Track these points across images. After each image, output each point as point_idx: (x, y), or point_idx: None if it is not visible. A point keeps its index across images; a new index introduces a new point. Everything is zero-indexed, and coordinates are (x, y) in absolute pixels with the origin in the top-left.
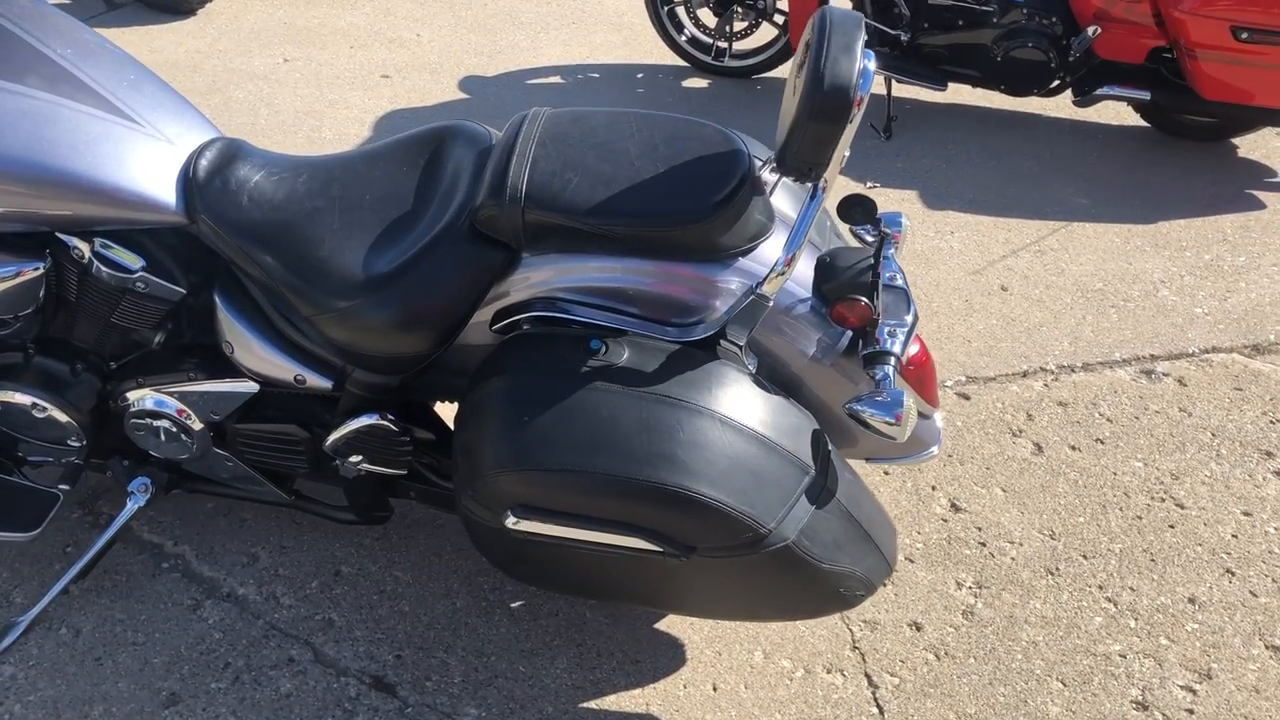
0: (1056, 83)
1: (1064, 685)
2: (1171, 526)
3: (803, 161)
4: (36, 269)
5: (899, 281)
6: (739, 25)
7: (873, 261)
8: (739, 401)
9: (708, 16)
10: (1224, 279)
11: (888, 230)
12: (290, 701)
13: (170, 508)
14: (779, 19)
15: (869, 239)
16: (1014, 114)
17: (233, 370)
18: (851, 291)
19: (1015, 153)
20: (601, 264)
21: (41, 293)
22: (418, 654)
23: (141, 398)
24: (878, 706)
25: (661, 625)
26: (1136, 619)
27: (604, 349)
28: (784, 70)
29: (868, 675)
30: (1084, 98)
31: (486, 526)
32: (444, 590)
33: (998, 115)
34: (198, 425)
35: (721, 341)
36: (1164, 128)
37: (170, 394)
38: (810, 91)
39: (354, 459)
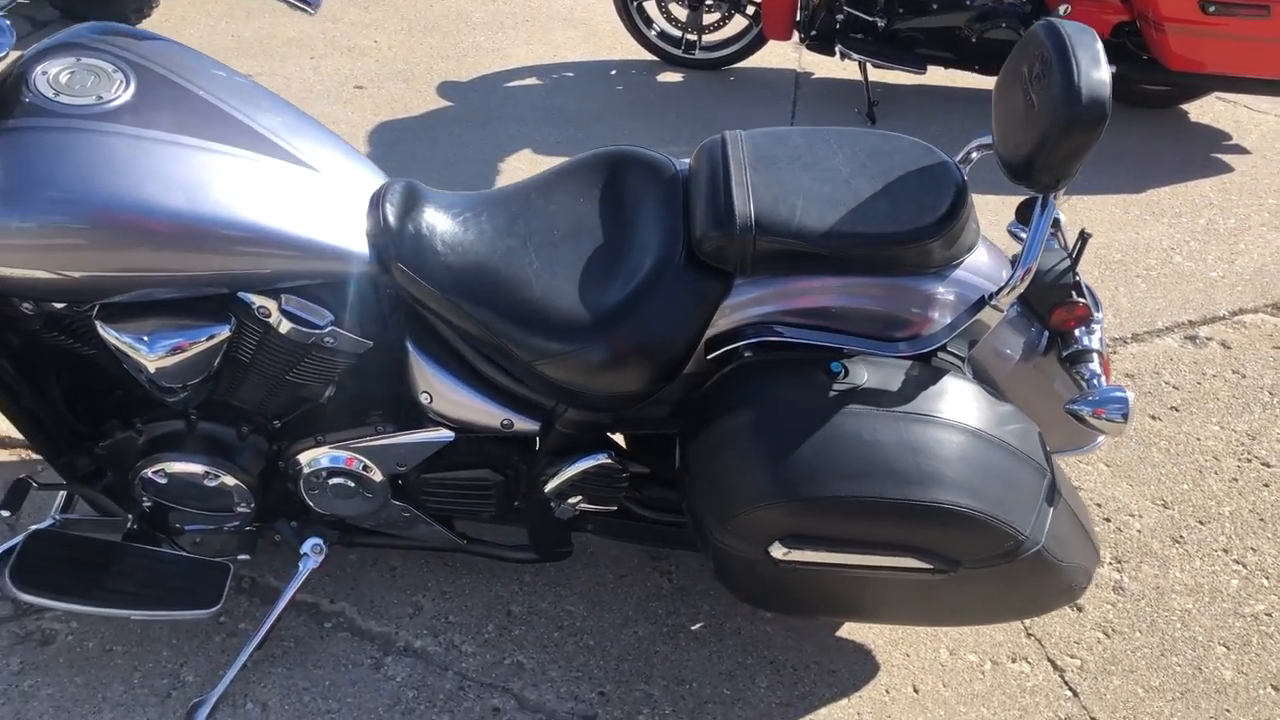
0: None
1: (1227, 649)
2: (1265, 485)
3: (1052, 175)
4: (223, 332)
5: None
6: (712, 18)
7: (1070, 261)
8: (982, 412)
9: (678, 10)
10: (1224, 242)
11: (1088, 232)
12: None
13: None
14: (750, 10)
15: (1023, 236)
16: (986, 92)
17: (423, 419)
18: (1063, 294)
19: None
20: (821, 283)
21: (219, 358)
22: (620, 688)
23: (317, 456)
24: (1070, 689)
25: (843, 633)
26: (1268, 578)
27: (844, 371)
28: (757, 60)
29: (1050, 660)
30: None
31: (741, 560)
32: (621, 619)
33: (970, 94)
34: (379, 478)
35: (940, 354)
36: (1120, 98)
37: (353, 449)
38: (1065, 106)
39: (573, 500)
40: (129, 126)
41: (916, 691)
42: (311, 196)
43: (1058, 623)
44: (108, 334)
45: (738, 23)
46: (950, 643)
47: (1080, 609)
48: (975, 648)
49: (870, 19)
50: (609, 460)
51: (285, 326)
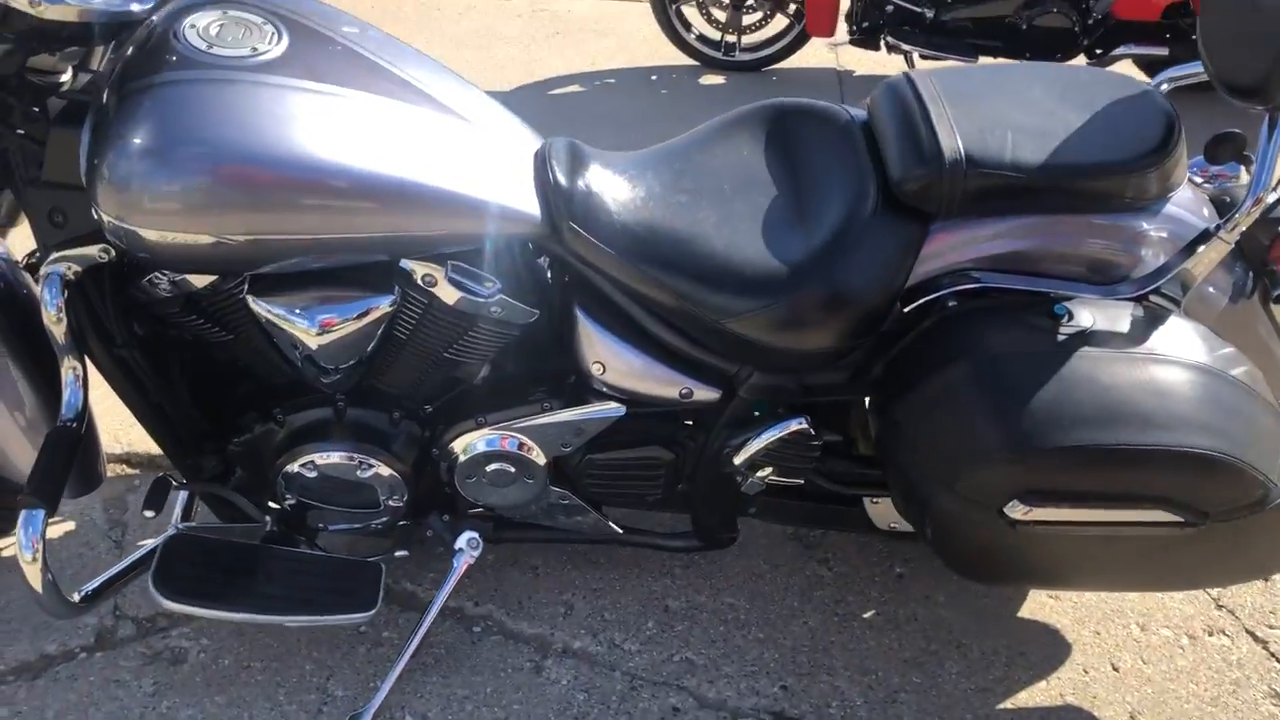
0: (1079, 46)
1: None
2: None
3: None
4: (387, 303)
5: None
6: (753, 18)
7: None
8: (1215, 353)
9: (718, 12)
10: None
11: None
12: None
13: (440, 565)
14: (792, 8)
15: (1206, 176)
16: None
17: (590, 394)
18: (1276, 227)
19: None
20: (1029, 223)
21: (380, 332)
22: (802, 681)
23: (475, 440)
24: (1278, 661)
25: (1024, 612)
26: None
27: (1068, 315)
28: (795, 60)
29: (1250, 632)
30: (1100, 58)
31: (969, 524)
32: (788, 611)
33: None
34: (541, 462)
35: (1153, 297)
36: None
37: (516, 430)
38: None
39: (763, 473)
40: (288, 78)
41: (1116, 669)
42: (478, 152)
43: (1246, 593)
44: (261, 308)
45: (778, 23)
46: (1139, 617)
47: (1267, 579)
48: (1166, 622)
49: (919, 10)
50: (804, 426)
51: (452, 295)
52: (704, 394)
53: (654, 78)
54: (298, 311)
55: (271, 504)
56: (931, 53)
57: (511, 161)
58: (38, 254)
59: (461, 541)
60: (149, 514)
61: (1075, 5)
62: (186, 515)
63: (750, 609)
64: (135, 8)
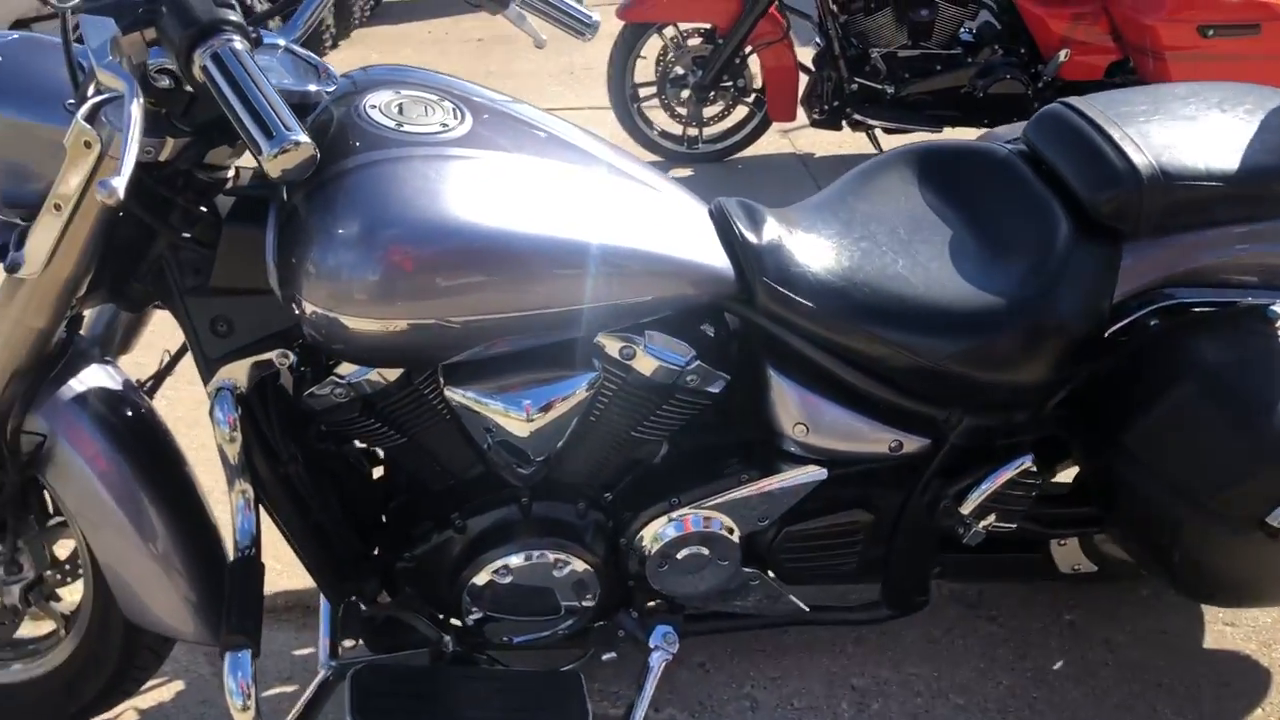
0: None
1: None
2: None
3: None
4: (590, 381)
5: None
6: (714, 109)
7: None
8: None
9: (680, 107)
10: None
11: None
12: None
13: (603, 671)
14: (751, 97)
15: None
16: None
17: (785, 459)
18: None
19: None
20: (1222, 234)
21: (578, 417)
22: None
23: (668, 524)
24: None
25: (1209, 643)
26: None
27: None
28: (758, 149)
29: None
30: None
31: (1222, 542)
32: (976, 672)
33: None
34: (736, 541)
35: None
36: None
37: (711, 508)
38: None
39: (986, 520)
40: (485, 150)
41: None
42: (665, 216)
43: None
44: (464, 398)
45: (739, 112)
46: None
47: None
48: None
49: (879, 87)
50: (1030, 464)
51: (650, 366)
52: (913, 445)
53: None
54: (504, 398)
55: (453, 620)
56: (896, 126)
57: (693, 223)
58: (151, 381)
59: (657, 638)
60: (349, 644)
61: (1025, 71)
62: (334, 649)
63: (938, 676)
64: (313, 88)
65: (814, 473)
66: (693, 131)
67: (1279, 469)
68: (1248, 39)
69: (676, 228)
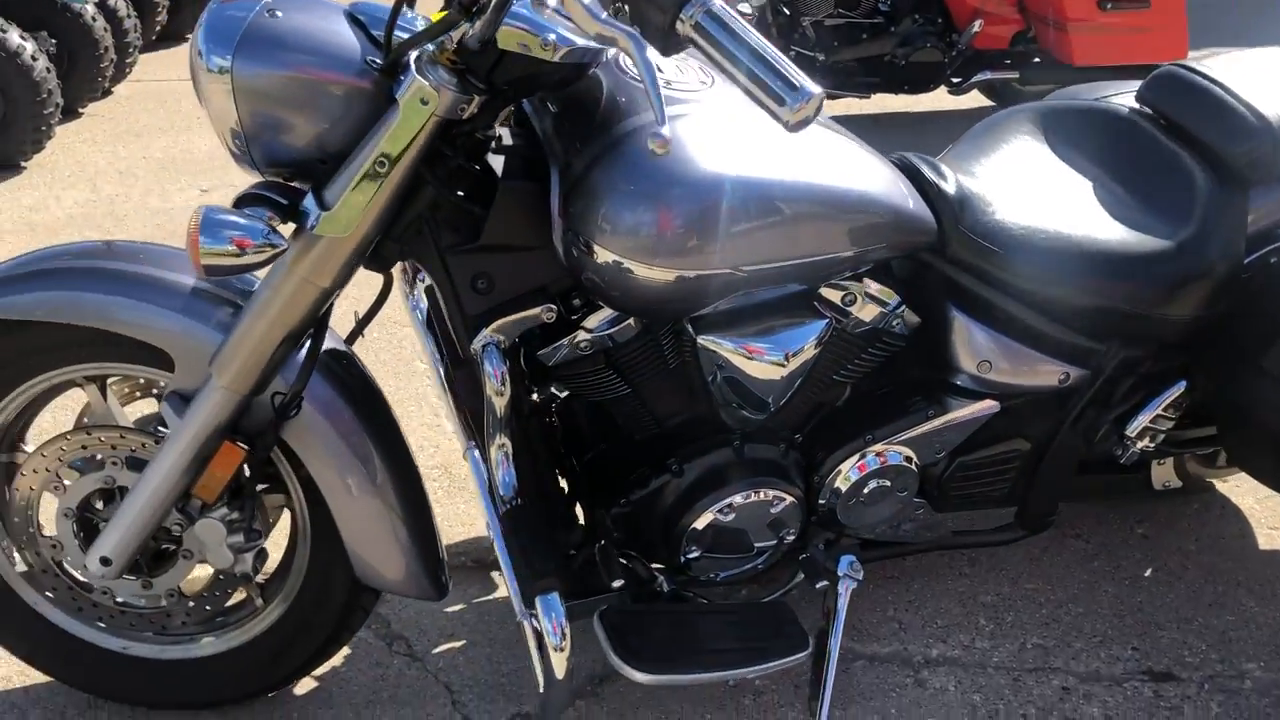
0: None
1: None
2: None
3: None
4: (824, 328)
5: None
6: None
7: None
8: None
9: None
10: None
11: None
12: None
13: None
14: None
15: None
16: (896, 115)
17: (961, 395)
18: None
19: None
20: None
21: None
22: (1144, 640)
23: (859, 459)
24: None
25: (1264, 544)
26: None
27: None
28: None
29: None
30: (959, 85)
31: None
32: (1083, 585)
33: (900, 117)
34: (914, 473)
35: None
36: (1004, 100)
37: (899, 443)
38: None
39: (1144, 442)
40: (743, 108)
41: None
42: (883, 169)
43: None
44: (721, 345)
45: None
46: None
47: None
48: None
49: (810, 54)
50: (1183, 390)
51: (870, 313)
52: (1076, 376)
53: None
54: (760, 343)
55: (665, 560)
56: (828, 91)
57: (899, 176)
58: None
59: (844, 567)
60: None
61: (943, 39)
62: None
63: (1053, 589)
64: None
65: (989, 406)
66: None
67: None
68: (1139, 11)
69: (893, 180)
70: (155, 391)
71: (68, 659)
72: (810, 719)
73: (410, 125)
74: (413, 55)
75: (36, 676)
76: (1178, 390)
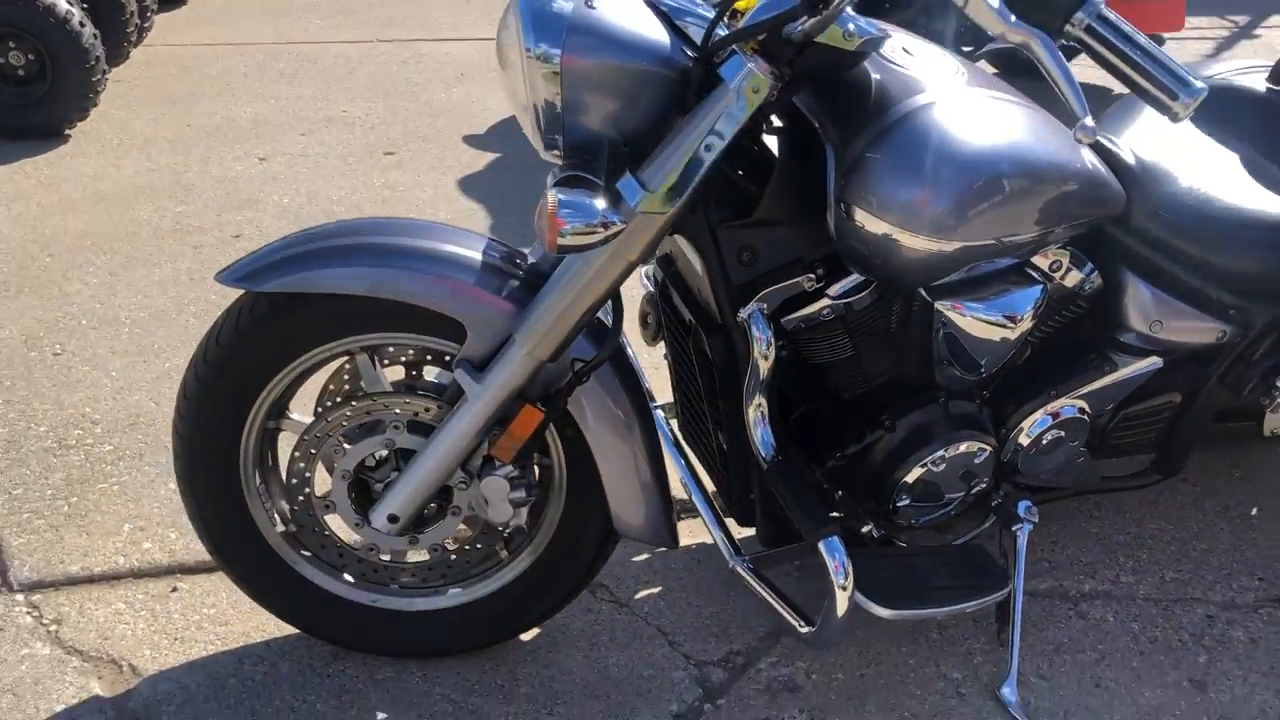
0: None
1: None
2: None
3: None
4: (1040, 293)
5: None
6: None
7: None
8: None
9: None
10: None
11: None
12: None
13: None
14: None
15: None
16: None
17: (1127, 351)
18: None
19: None
20: None
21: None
22: (1268, 571)
23: (1044, 412)
24: None
25: None
26: None
27: None
28: None
29: None
30: (971, 54)
31: None
32: (1202, 524)
33: None
34: (1086, 424)
35: None
36: (1011, 70)
37: (1078, 397)
38: None
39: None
40: (982, 89)
41: None
42: (1079, 147)
43: None
44: (957, 310)
45: None
46: None
47: None
48: None
49: None
50: None
51: (1073, 278)
52: (1233, 333)
53: None
54: (995, 308)
55: (875, 508)
56: None
57: (1089, 153)
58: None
59: (1022, 510)
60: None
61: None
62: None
63: (1175, 529)
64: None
65: (1154, 362)
66: None
67: None
68: None
69: (1092, 157)
70: (422, 360)
71: (318, 613)
72: (1002, 649)
73: (744, 110)
74: (738, 46)
75: (285, 629)
76: None
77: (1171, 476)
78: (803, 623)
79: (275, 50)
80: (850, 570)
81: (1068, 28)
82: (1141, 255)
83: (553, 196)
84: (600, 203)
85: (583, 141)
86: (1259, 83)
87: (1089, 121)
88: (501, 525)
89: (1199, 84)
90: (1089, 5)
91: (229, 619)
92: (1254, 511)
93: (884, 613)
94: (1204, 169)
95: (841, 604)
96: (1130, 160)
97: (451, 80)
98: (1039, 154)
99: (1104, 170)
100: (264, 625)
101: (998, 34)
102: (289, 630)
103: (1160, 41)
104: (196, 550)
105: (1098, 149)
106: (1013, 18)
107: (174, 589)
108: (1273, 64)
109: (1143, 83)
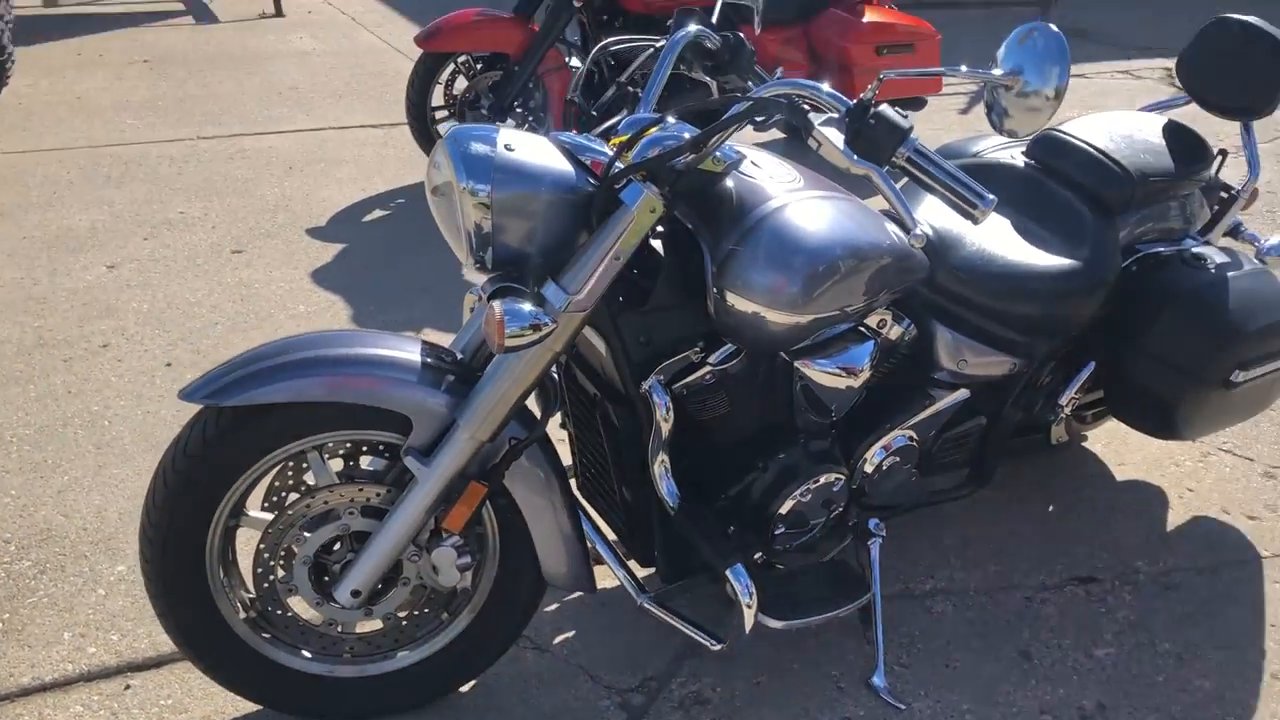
0: None
1: None
2: None
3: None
4: (874, 347)
5: None
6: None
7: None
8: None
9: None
10: None
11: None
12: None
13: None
14: (533, 119)
15: None
16: None
17: (940, 387)
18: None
19: None
20: (1159, 209)
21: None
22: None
23: (884, 443)
24: None
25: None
26: None
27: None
28: None
29: None
30: (762, 124)
31: (1199, 397)
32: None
33: None
34: (917, 450)
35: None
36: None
37: (909, 427)
38: None
39: (1066, 411)
40: (816, 190)
41: None
42: (892, 228)
43: None
44: (812, 368)
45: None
46: None
47: None
48: None
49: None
50: (1094, 369)
51: (895, 332)
52: (1021, 365)
53: None
54: (840, 365)
55: (756, 538)
56: None
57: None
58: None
59: (873, 528)
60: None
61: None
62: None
63: (992, 530)
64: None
65: (963, 393)
66: None
67: (1236, 347)
68: (906, 56)
69: (900, 234)
70: (359, 452)
71: (279, 689)
72: (869, 645)
73: (643, 225)
74: (635, 175)
75: (243, 709)
76: (1090, 369)
77: (985, 486)
78: (714, 641)
79: (95, 154)
80: (755, 591)
81: (894, 160)
82: (945, 308)
83: (498, 308)
84: (533, 308)
85: (510, 257)
86: (1018, 157)
87: (918, 230)
88: (449, 589)
89: (990, 196)
90: (907, 143)
91: (187, 706)
92: (1049, 509)
93: (777, 624)
94: (985, 235)
95: (749, 620)
96: (931, 235)
97: (281, 174)
98: (863, 240)
99: (913, 249)
100: (222, 708)
101: (844, 169)
102: (247, 708)
103: (922, 104)
104: (140, 648)
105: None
106: (855, 156)
107: (127, 686)
108: (1026, 141)
109: (951, 197)
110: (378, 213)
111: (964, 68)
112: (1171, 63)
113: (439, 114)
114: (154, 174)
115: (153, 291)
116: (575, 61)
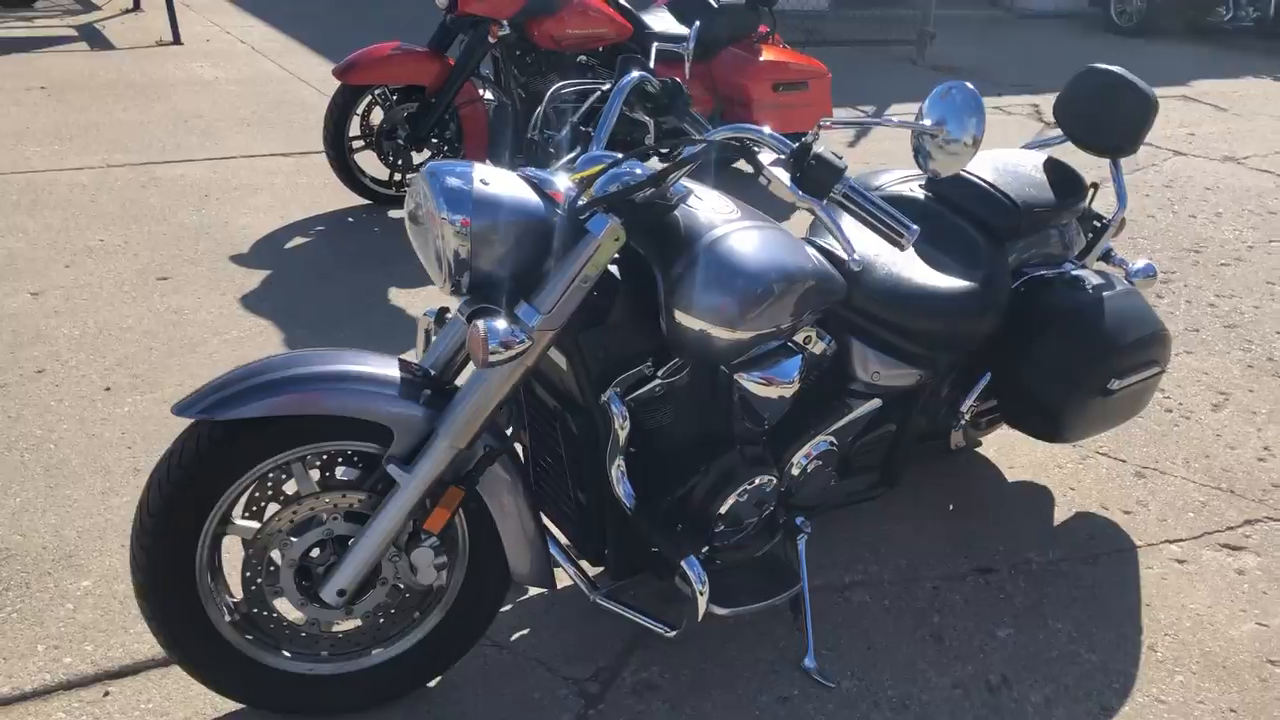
0: None
1: None
2: None
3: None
4: (801, 360)
5: None
6: (421, 157)
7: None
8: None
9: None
10: None
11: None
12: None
13: None
14: (447, 149)
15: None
16: None
17: (855, 396)
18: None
19: None
20: (1042, 236)
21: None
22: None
23: (810, 448)
24: None
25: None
26: None
27: (1085, 279)
28: None
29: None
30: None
31: (1081, 404)
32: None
33: None
34: (838, 453)
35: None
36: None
37: (831, 433)
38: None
39: (969, 417)
40: (753, 220)
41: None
42: (815, 254)
43: None
44: (750, 379)
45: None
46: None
47: None
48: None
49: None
50: (989, 379)
51: (819, 347)
52: (925, 376)
53: (350, 219)
54: (773, 375)
55: (698, 536)
56: None
57: (820, 257)
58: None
59: (800, 525)
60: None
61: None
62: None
63: (901, 526)
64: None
65: (876, 402)
66: (397, 177)
67: (1112, 359)
68: (801, 93)
69: (821, 259)
70: (334, 462)
71: (262, 687)
72: (799, 632)
73: (608, 252)
74: (599, 207)
75: (224, 709)
76: (986, 379)
77: (895, 487)
78: (667, 629)
79: (2, 181)
80: (706, 581)
81: (832, 195)
82: (860, 325)
83: (482, 326)
84: (509, 326)
85: (485, 281)
86: (916, 190)
87: (857, 256)
88: (425, 588)
89: (914, 226)
90: (842, 182)
91: (167, 710)
92: (951, 508)
93: (724, 611)
94: (894, 260)
95: (701, 607)
96: (844, 257)
97: (197, 202)
98: (791, 265)
99: (831, 268)
100: (202, 710)
101: (790, 202)
102: (227, 709)
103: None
104: (116, 657)
105: (823, 251)
106: (800, 192)
107: (106, 693)
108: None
109: (881, 227)
110: (299, 239)
111: (896, 119)
112: (1038, 99)
113: (355, 144)
114: (66, 201)
115: (82, 318)
116: (489, 94)
